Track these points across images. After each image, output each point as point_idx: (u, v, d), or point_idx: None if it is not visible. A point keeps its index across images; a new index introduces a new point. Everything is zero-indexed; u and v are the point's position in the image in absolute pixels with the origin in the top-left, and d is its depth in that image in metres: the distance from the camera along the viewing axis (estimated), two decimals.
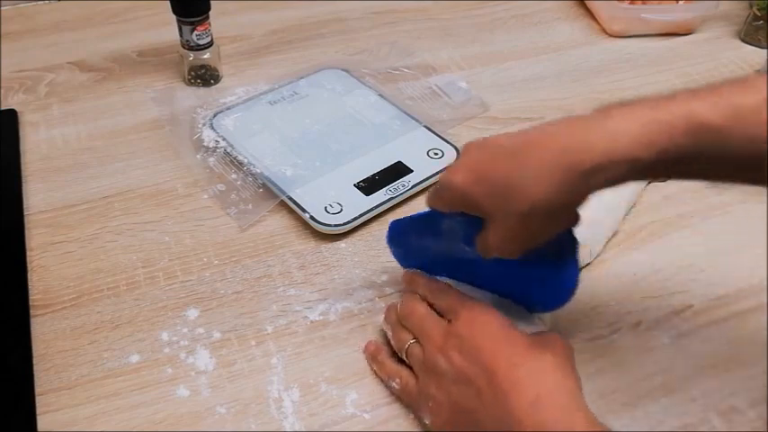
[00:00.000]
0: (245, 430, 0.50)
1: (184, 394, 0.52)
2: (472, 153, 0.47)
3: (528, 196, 0.43)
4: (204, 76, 0.80)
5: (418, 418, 0.50)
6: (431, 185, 0.52)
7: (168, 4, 0.75)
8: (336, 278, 0.60)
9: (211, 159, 0.69)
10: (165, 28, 0.81)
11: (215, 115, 0.73)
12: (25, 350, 0.54)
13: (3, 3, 0.91)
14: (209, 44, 0.78)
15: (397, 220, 0.57)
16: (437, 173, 0.67)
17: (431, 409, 0.48)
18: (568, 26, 0.91)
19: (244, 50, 0.85)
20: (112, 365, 0.54)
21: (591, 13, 0.92)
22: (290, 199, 0.65)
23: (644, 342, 0.56)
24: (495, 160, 0.45)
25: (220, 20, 0.79)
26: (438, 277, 0.55)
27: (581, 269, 0.60)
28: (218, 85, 0.80)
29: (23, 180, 0.68)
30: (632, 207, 0.66)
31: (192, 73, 0.80)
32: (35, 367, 0.53)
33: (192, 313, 0.57)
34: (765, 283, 0.59)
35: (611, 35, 0.89)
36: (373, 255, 0.62)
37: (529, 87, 0.81)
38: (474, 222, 0.47)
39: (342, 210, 0.63)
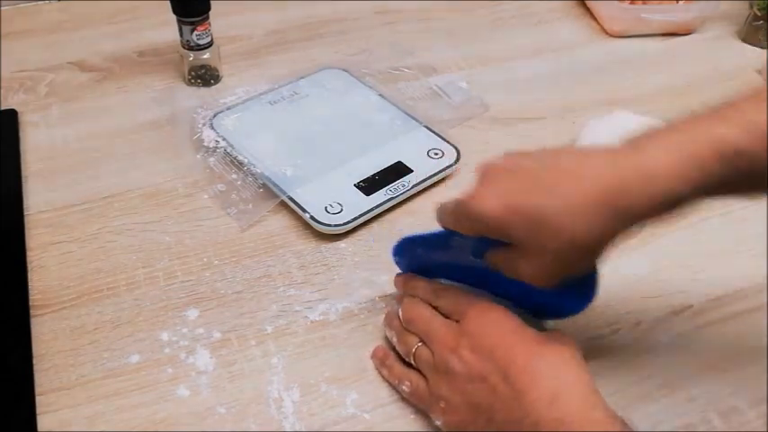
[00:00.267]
0: (245, 430, 0.50)
1: (184, 394, 0.52)
2: (500, 179, 0.46)
3: (566, 233, 0.42)
4: (204, 76, 0.80)
5: (431, 419, 0.50)
6: (444, 203, 0.49)
7: (168, 4, 0.75)
8: (336, 278, 0.60)
9: (211, 159, 0.69)
10: (165, 28, 0.81)
11: (215, 115, 0.73)
12: (25, 350, 0.54)
13: (3, 3, 0.91)
14: (209, 44, 0.78)
15: (406, 237, 0.56)
16: (437, 173, 0.68)
17: (443, 409, 0.47)
18: (568, 26, 0.91)
19: (244, 50, 0.85)
20: (112, 365, 0.54)
21: (591, 13, 0.92)
22: (291, 199, 0.65)
23: (644, 342, 0.56)
24: (529, 191, 0.44)
25: (220, 20, 0.79)
26: (443, 280, 0.55)
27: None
28: (218, 85, 0.80)
29: (23, 180, 0.68)
30: None
31: (192, 73, 0.80)
32: (35, 367, 0.53)
33: (192, 313, 0.57)
34: (765, 284, 0.59)
35: (611, 35, 0.89)
36: (373, 255, 0.62)
37: (529, 87, 0.81)
38: (487, 240, 0.47)
39: (342, 210, 0.63)
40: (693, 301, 0.58)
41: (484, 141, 0.73)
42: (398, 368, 0.52)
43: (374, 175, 0.67)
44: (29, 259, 0.61)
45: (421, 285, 0.54)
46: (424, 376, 0.50)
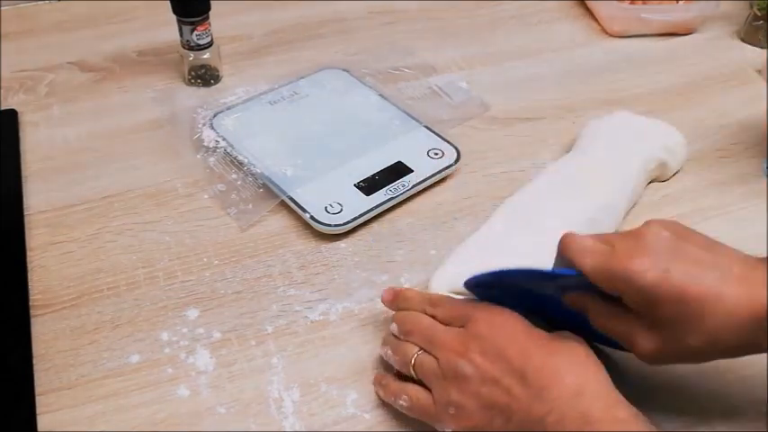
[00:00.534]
0: (245, 430, 0.50)
1: (184, 394, 0.52)
2: (666, 252, 0.43)
3: (714, 337, 0.42)
4: (204, 76, 0.80)
5: (438, 429, 0.48)
6: (584, 240, 0.46)
7: (168, 4, 0.75)
8: (336, 278, 0.60)
9: (211, 159, 0.69)
10: (165, 28, 0.81)
11: (215, 115, 0.73)
12: (25, 350, 0.54)
13: (3, 3, 0.91)
14: (209, 44, 0.78)
15: (501, 271, 0.49)
16: (437, 173, 0.68)
17: (454, 416, 0.46)
18: (568, 26, 0.91)
19: (244, 50, 0.85)
20: (112, 365, 0.54)
21: (591, 13, 0.92)
22: (291, 199, 0.65)
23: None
24: (696, 279, 0.42)
25: (220, 20, 0.79)
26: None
27: None
28: (218, 85, 0.80)
29: (23, 180, 0.68)
30: (632, 207, 0.66)
31: (192, 73, 0.80)
32: (35, 367, 0.53)
33: (192, 313, 0.57)
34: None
35: (611, 35, 0.89)
36: (373, 255, 0.62)
37: (529, 87, 0.81)
38: (587, 286, 0.45)
39: (342, 210, 0.63)
40: None
41: (484, 141, 0.73)
42: (393, 384, 0.50)
43: (374, 175, 0.67)
44: (29, 259, 0.61)
45: (412, 296, 0.53)
46: (426, 388, 0.48)
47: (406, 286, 0.59)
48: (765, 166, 0.71)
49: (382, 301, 0.54)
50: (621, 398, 0.43)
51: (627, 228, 0.64)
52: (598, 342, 0.50)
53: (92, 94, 0.79)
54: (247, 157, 0.68)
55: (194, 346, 0.55)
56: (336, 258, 0.62)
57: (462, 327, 0.48)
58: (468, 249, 0.59)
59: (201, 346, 0.55)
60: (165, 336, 0.56)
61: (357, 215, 0.63)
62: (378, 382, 0.52)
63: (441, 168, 0.68)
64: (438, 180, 0.68)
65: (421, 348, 0.49)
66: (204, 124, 0.72)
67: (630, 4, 0.88)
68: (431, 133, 0.72)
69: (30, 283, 0.59)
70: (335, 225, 0.62)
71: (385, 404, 0.52)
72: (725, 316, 0.42)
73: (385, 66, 0.82)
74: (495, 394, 0.45)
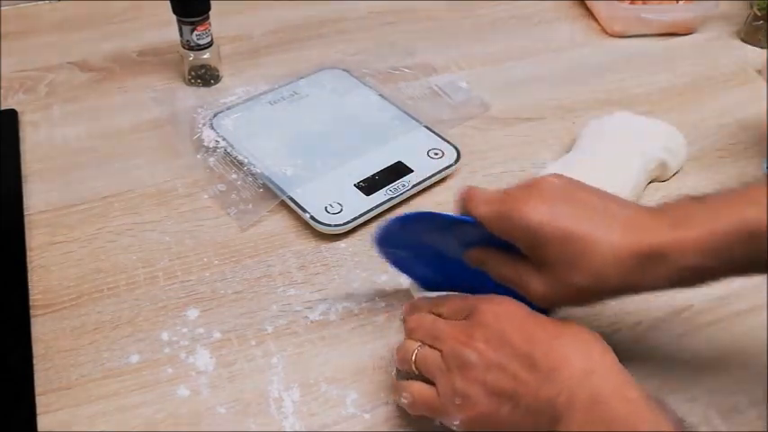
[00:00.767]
0: (245, 430, 0.50)
1: (184, 394, 0.52)
2: (555, 196, 0.47)
3: (599, 275, 0.44)
4: (204, 76, 0.80)
5: (443, 423, 0.48)
6: (480, 190, 0.49)
7: (168, 4, 0.75)
8: (336, 278, 0.60)
9: (211, 159, 0.69)
10: (165, 28, 0.81)
11: (215, 115, 0.73)
12: (25, 350, 0.54)
13: (3, 3, 0.91)
14: (209, 44, 0.78)
15: (408, 214, 0.53)
16: (437, 173, 0.68)
17: (460, 406, 0.45)
18: (568, 26, 0.91)
19: (244, 50, 0.85)
20: (112, 365, 0.54)
21: (591, 13, 0.92)
22: (291, 199, 0.65)
23: (644, 342, 0.56)
24: (581, 220, 0.45)
25: (220, 20, 0.79)
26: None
27: None
28: (218, 85, 0.80)
29: (23, 180, 0.68)
30: None
31: (192, 73, 0.80)
32: (35, 367, 0.53)
33: (192, 313, 0.57)
34: (765, 283, 0.59)
35: (611, 35, 0.89)
36: (373, 255, 0.62)
37: (529, 87, 0.81)
38: (497, 240, 0.47)
39: (342, 210, 0.63)
40: (694, 301, 0.58)
41: (484, 141, 0.74)
42: (395, 382, 0.50)
43: (374, 175, 0.67)
44: (29, 259, 0.61)
45: (420, 303, 0.52)
46: (428, 381, 0.47)
47: (405, 286, 0.59)
48: (765, 166, 0.71)
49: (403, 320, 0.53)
50: (631, 378, 0.43)
51: None
52: None
53: (92, 94, 0.79)
54: (247, 157, 0.68)
55: (194, 346, 0.55)
56: (336, 258, 0.62)
57: (465, 319, 0.48)
58: None
59: (201, 346, 0.55)
60: (165, 336, 0.56)
61: (357, 215, 0.63)
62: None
63: (441, 168, 0.68)
64: (438, 180, 0.68)
65: (422, 343, 0.48)
66: (204, 124, 0.72)
67: (630, 4, 0.88)
68: (431, 133, 0.72)
69: (30, 283, 0.59)
70: (335, 225, 0.62)
71: (385, 404, 0.52)
72: (608, 255, 0.44)
73: (385, 66, 0.82)
74: (502, 380, 0.44)
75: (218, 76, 0.81)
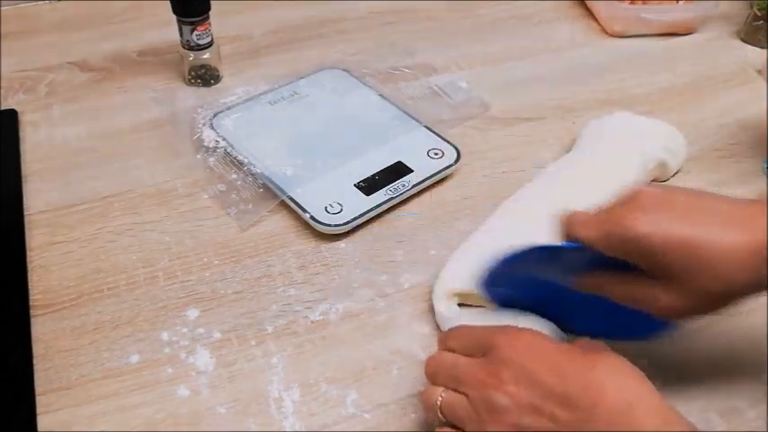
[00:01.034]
0: (245, 430, 0.50)
1: (184, 394, 0.52)
2: (657, 206, 0.44)
3: (725, 279, 0.43)
4: (204, 76, 0.80)
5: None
6: (578, 213, 0.47)
7: (168, 4, 0.75)
8: (336, 278, 0.60)
9: (211, 159, 0.69)
10: (165, 28, 0.81)
11: (215, 115, 0.73)
12: (25, 350, 0.54)
13: (3, 3, 0.91)
14: (209, 44, 0.78)
15: (521, 251, 0.49)
16: (437, 173, 0.68)
17: None
18: (568, 26, 0.91)
19: (244, 50, 0.85)
20: (112, 365, 0.54)
21: (591, 13, 0.92)
22: (291, 199, 0.65)
23: (644, 342, 0.56)
24: (691, 226, 0.43)
25: (220, 20, 0.79)
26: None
27: None
28: (218, 85, 0.80)
29: (23, 180, 0.68)
30: None
31: (192, 73, 0.80)
32: (35, 367, 0.53)
33: (192, 313, 0.57)
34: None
35: (611, 35, 0.89)
36: (373, 255, 0.62)
37: (529, 87, 0.81)
38: (596, 260, 0.46)
39: (342, 210, 0.63)
40: None
41: (484, 141, 0.74)
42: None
43: (374, 175, 0.67)
44: (29, 259, 0.61)
45: (438, 340, 0.50)
46: (456, 427, 0.44)
47: (405, 286, 0.59)
48: (765, 166, 0.71)
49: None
50: (675, 410, 0.41)
51: None
52: (614, 337, 0.50)
53: (92, 94, 0.79)
54: (247, 157, 0.68)
55: (194, 346, 0.55)
56: (336, 258, 0.62)
57: (484, 356, 0.45)
58: (469, 250, 0.59)
59: (201, 346, 0.55)
60: (165, 336, 0.56)
61: (357, 215, 0.63)
62: None
63: (441, 168, 0.68)
64: (438, 180, 0.68)
65: (446, 388, 0.45)
66: (204, 124, 0.72)
67: (630, 4, 0.88)
68: (431, 133, 0.72)
69: (30, 283, 0.59)
70: (335, 225, 0.62)
71: (385, 404, 0.52)
72: (730, 256, 0.42)
73: (385, 66, 0.82)
74: (539, 423, 0.41)
75: (218, 76, 0.81)
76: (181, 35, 0.77)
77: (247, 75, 0.81)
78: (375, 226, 0.65)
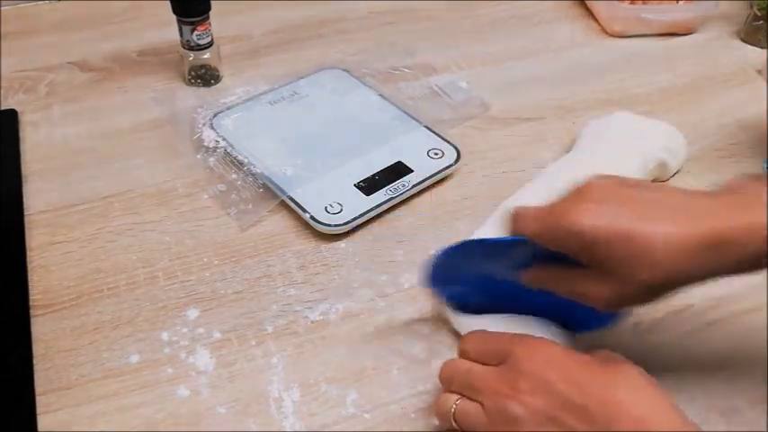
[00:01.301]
0: (245, 430, 0.50)
1: (184, 394, 0.52)
2: (603, 199, 0.44)
3: (664, 269, 0.42)
4: (204, 76, 0.80)
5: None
6: (525, 208, 0.47)
7: (168, 4, 0.75)
8: (336, 278, 0.60)
9: (211, 159, 0.69)
10: (165, 28, 0.81)
11: (215, 115, 0.73)
12: (25, 350, 0.54)
13: (3, 3, 0.91)
14: (210, 44, 0.78)
15: (466, 241, 0.52)
16: (437, 173, 0.68)
17: None
18: (568, 26, 0.91)
19: (244, 50, 0.85)
20: (112, 365, 0.54)
21: (591, 13, 0.92)
22: (291, 199, 0.65)
23: (644, 342, 0.56)
24: (634, 219, 0.43)
25: (220, 20, 0.79)
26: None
27: None
28: (218, 85, 0.80)
29: (23, 180, 0.68)
30: None
31: (192, 73, 0.80)
32: (35, 367, 0.53)
33: (192, 313, 0.57)
34: (765, 283, 0.59)
35: (611, 35, 0.89)
36: (373, 255, 0.62)
37: (529, 87, 0.81)
38: (543, 253, 0.46)
39: (342, 210, 0.63)
40: (694, 301, 0.58)
41: (484, 141, 0.74)
42: None
43: (374, 175, 0.67)
44: (29, 259, 0.61)
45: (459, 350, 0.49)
46: None
47: (405, 286, 0.59)
48: (766, 166, 0.71)
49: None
50: (693, 424, 0.40)
51: None
52: (563, 326, 0.52)
53: (92, 94, 0.79)
54: (247, 157, 0.68)
55: (194, 346, 0.55)
56: (336, 258, 0.62)
57: (500, 364, 0.44)
58: None
59: (201, 346, 0.55)
60: (165, 336, 0.56)
61: (357, 215, 0.63)
62: None
63: (441, 168, 0.68)
64: (438, 180, 0.68)
65: (461, 396, 0.45)
66: (204, 124, 0.72)
67: (630, 4, 0.88)
68: (431, 133, 0.72)
69: (30, 283, 0.59)
70: (335, 225, 0.62)
71: (385, 404, 0.52)
72: (673, 247, 0.42)
73: (385, 66, 0.82)
74: None
75: (218, 76, 0.81)
76: (181, 35, 0.77)
77: (247, 75, 0.82)
78: (375, 226, 0.65)
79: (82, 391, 0.52)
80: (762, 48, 0.87)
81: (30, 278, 0.59)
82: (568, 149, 0.70)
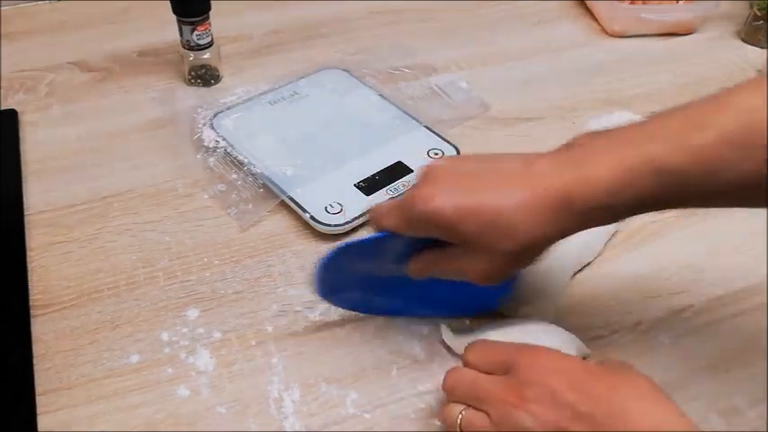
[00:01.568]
0: (245, 430, 0.50)
1: (184, 394, 0.52)
2: (445, 179, 0.46)
3: (520, 233, 0.43)
4: (204, 76, 0.80)
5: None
6: (380, 204, 0.50)
7: (168, 4, 0.75)
8: None
9: (211, 159, 0.69)
10: (165, 28, 0.81)
11: (215, 115, 0.73)
12: (25, 350, 0.54)
13: (3, 3, 0.91)
14: (210, 44, 0.78)
15: (335, 250, 0.52)
16: None
17: None
18: (568, 26, 0.91)
19: (244, 50, 0.85)
20: (112, 365, 0.54)
21: (591, 13, 0.92)
22: (291, 199, 0.65)
23: (644, 342, 0.56)
24: (479, 191, 0.44)
25: (220, 20, 0.79)
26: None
27: (580, 270, 0.60)
28: (218, 85, 0.80)
29: (23, 180, 0.68)
30: None
31: (193, 73, 0.80)
32: (35, 367, 0.53)
33: (193, 313, 0.57)
34: (765, 283, 0.59)
35: (611, 35, 0.89)
36: None
37: (529, 87, 0.81)
38: (420, 242, 0.47)
39: (342, 210, 0.63)
40: (694, 301, 0.58)
41: (484, 141, 0.74)
42: None
43: (374, 175, 0.67)
44: (29, 259, 0.61)
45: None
46: None
47: None
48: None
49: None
50: (695, 426, 0.40)
51: (626, 228, 0.64)
52: (461, 312, 0.55)
53: (92, 94, 0.79)
54: (247, 157, 0.68)
55: (194, 346, 0.55)
56: None
57: (506, 373, 0.44)
58: None
59: (201, 346, 0.55)
60: (165, 336, 0.56)
61: (357, 215, 0.63)
62: None
63: None
64: None
65: (467, 406, 0.45)
66: (204, 124, 0.72)
67: (630, 4, 0.88)
68: (431, 133, 0.72)
69: (30, 283, 0.59)
70: (335, 225, 0.62)
71: (385, 404, 0.52)
72: (520, 214, 0.43)
73: (385, 66, 0.82)
74: None
75: (218, 76, 0.81)
76: (181, 35, 0.77)
77: (247, 75, 0.81)
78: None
79: (82, 391, 0.52)
80: (762, 48, 0.87)
81: (30, 278, 0.59)
82: None
